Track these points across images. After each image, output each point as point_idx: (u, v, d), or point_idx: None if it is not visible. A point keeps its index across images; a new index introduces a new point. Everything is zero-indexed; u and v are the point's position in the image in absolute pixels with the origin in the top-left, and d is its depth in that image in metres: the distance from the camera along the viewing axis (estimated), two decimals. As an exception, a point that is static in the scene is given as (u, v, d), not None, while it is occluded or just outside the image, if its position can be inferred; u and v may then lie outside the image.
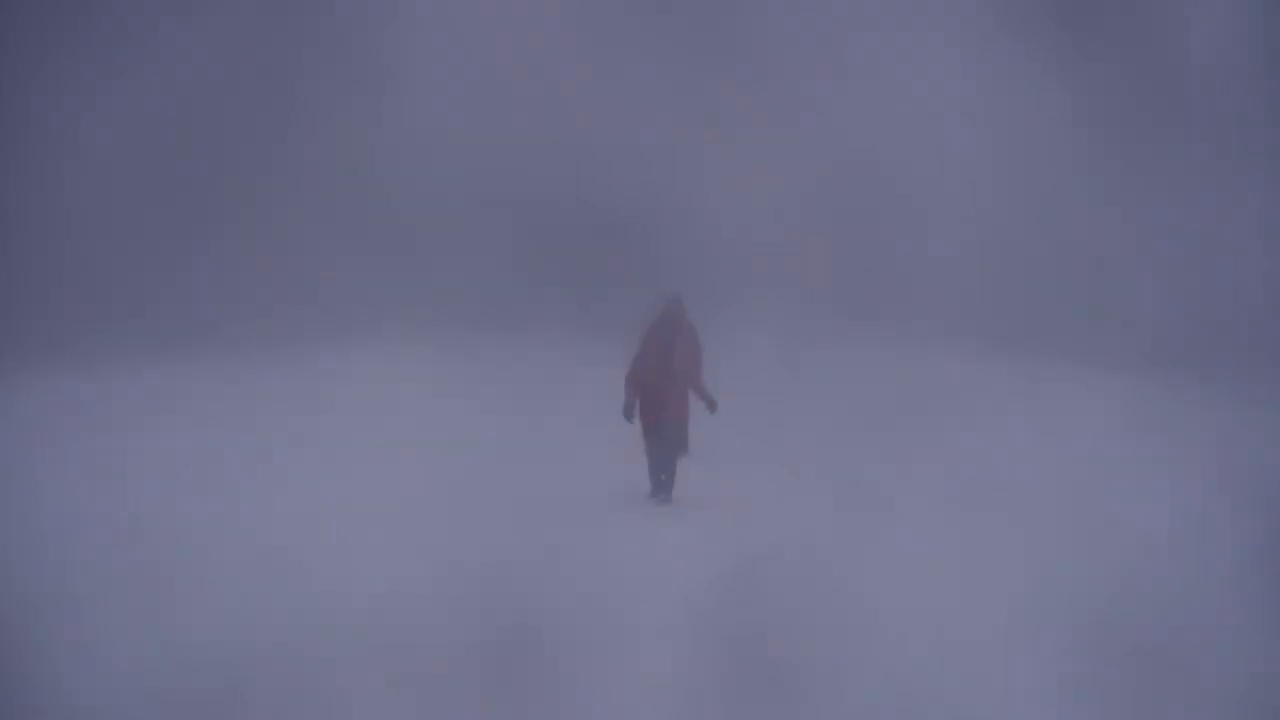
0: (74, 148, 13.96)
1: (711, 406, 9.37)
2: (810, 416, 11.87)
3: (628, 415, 9.09)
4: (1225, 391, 13.35)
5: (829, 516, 8.66)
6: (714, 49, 15.74)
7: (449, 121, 15.62)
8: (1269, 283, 13.70)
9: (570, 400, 12.96)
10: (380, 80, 15.23)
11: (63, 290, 14.33)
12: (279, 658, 5.70)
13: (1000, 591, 6.82)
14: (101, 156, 14.28)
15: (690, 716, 5.18)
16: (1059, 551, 7.64)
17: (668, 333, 9.25)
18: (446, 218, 16.29)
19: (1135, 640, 5.39)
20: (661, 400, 9.07)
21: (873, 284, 14.57)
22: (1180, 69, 14.09)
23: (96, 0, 14.50)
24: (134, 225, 14.74)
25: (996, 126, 14.62)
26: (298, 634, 6.06)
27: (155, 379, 14.60)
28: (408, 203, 16.25)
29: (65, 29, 14.34)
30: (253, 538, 7.86)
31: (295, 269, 15.32)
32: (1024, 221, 14.63)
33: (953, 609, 6.60)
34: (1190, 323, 13.74)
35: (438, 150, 15.85)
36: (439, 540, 7.75)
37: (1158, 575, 6.75)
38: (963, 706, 5.14)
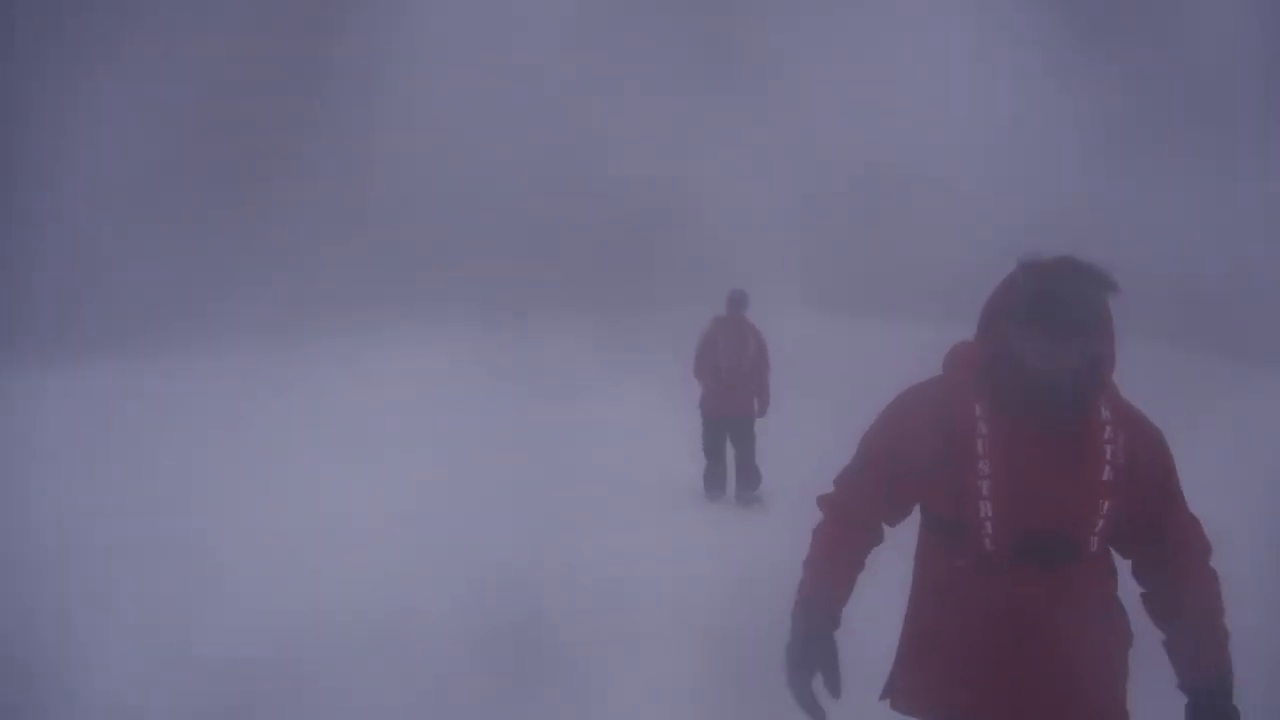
0: (80, 149, 14.02)
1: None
2: (823, 407, 11.80)
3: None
4: (1248, 372, 13.25)
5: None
6: (728, 45, 15.71)
7: (464, 121, 15.69)
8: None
9: (590, 388, 12.93)
10: (399, 79, 15.29)
11: (68, 288, 14.42)
12: (290, 657, 5.72)
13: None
14: (110, 157, 14.34)
15: (707, 718, 5.14)
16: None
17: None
18: (463, 215, 16.35)
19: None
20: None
21: (883, 276, 14.50)
22: (1195, 65, 13.97)
23: (101, 2, 14.55)
24: (144, 224, 14.82)
25: (1008, 120, 14.55)
26: (308, 635, 6.06)
27: (169, 377, 14.66)
28: (426, 198, 16.31)
29: (68, 30, 14.39)
30: (266, 537, 7.91)
31: (313, 264, 15.40)
32: (1034, 216, 14.57)
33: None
34: (1209, 305, 13.64)
35: (455, 147, 15.90)
36: (455, 538, 7.75)
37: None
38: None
